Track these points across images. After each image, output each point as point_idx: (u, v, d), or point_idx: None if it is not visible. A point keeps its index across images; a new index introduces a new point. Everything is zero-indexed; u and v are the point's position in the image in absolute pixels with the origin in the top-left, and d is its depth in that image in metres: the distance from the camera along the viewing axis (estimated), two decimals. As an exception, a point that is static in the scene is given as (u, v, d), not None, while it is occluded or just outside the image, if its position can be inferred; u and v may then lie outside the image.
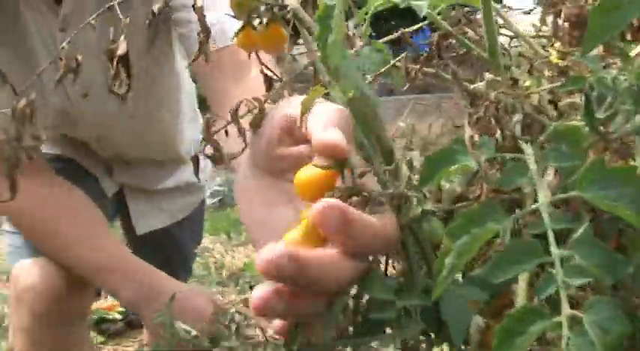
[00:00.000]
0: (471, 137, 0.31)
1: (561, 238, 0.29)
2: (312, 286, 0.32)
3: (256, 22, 0.48)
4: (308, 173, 0.35)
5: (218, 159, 0.48)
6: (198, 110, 1.36)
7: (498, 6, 0.50)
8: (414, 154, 0.39)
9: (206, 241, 2.85)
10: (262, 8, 0.48)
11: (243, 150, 0.48)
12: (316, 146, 0.34)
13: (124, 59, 0.39)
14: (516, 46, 0.44)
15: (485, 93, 0.33)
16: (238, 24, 0.48)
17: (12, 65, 0.95)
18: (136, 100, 1.11)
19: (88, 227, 1.03)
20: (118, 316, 2.20)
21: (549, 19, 0.50)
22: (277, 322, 0.36)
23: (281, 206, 0.40)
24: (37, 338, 1.03)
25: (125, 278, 0.97)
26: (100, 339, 2.19)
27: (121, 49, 0.39)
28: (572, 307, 0.27)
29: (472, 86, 0.34)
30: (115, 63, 0.39)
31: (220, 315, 0.54)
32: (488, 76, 0.34)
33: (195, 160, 0.51)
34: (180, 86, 1.16)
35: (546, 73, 0.45)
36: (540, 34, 0.53)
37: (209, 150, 0.48)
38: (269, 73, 0.51)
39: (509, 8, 0.63)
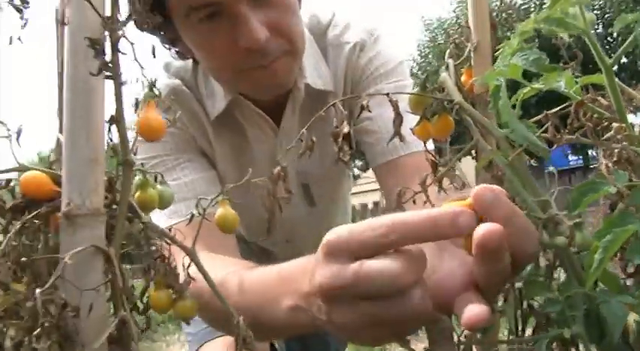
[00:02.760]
0: (607, 165, 0.44)
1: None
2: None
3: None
4: (452, 204, 0.49)
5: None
6: None
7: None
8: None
9: None
10: (434, 103, 0.65)
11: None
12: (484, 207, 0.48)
13: (348, 136, 0.57)
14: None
15: (614, 136, 0.46)
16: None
17: (232, 171, 1.13)
18: (324, 202, 1.25)
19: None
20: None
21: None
22: (471, 312, 0.47)
23: None
24: None
25: None
26: None
27: (345, 129, 0.56)
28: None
29: (605, 136, 0.48)
30: (340, 139, 0.57)
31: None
32: (614, 124, 0.47)
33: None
34: (349, 186, 1.30)
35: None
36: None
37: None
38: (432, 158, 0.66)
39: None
